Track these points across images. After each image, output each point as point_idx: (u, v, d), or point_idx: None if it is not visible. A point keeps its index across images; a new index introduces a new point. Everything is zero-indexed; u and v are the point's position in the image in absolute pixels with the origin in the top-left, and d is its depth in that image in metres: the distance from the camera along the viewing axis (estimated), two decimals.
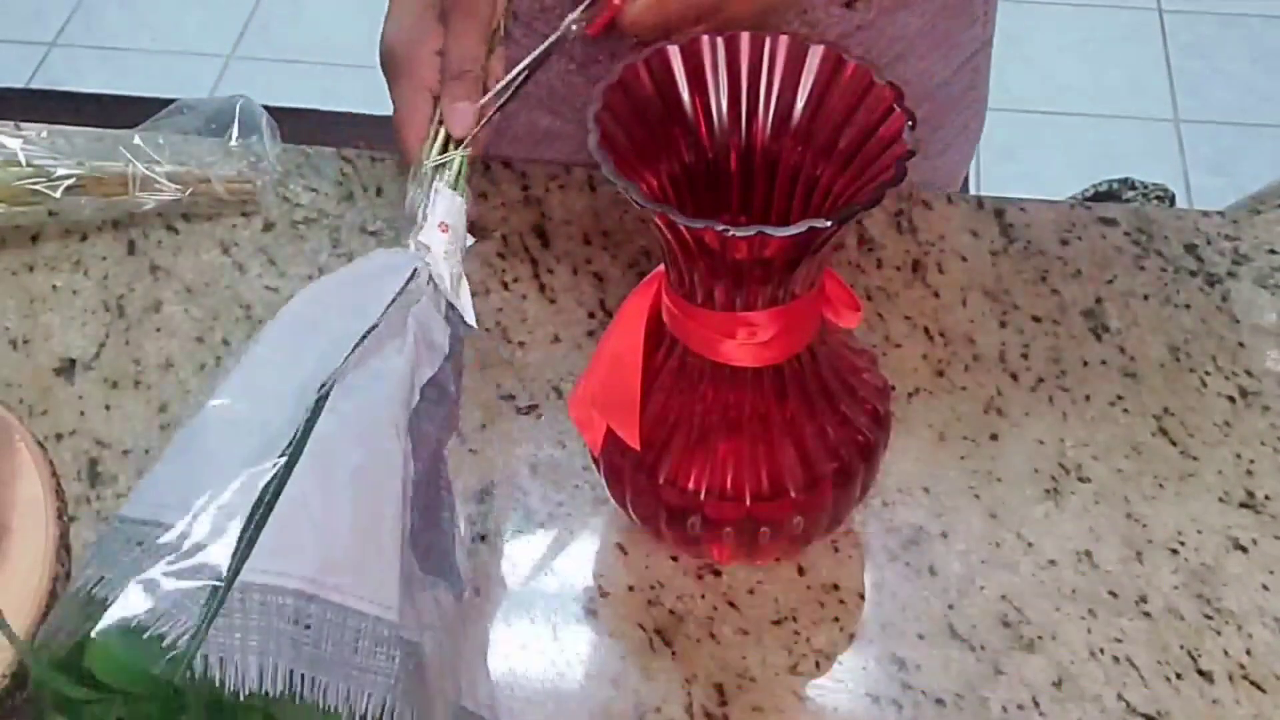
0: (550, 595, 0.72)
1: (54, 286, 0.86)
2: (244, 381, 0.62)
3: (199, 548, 0.55)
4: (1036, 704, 0.68)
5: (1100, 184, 1.61)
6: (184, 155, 0.90)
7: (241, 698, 0.52)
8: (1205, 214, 0.90)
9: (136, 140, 0.89)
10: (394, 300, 0.64)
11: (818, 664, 0.69)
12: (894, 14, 0.89)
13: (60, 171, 0.86)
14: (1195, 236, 0.88)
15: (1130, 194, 1.52)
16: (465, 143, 0.72)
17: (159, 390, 0.80)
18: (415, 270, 0.66)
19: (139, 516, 0.58)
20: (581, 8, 0.72)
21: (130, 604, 0.54)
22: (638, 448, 0.66)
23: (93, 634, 0.53)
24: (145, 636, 0.53)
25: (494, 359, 0.81)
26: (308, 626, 0.55)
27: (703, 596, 0.71)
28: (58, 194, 0.86)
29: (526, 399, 0.80)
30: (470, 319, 0.68)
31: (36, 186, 0.85)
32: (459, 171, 0.71)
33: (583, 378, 0.70)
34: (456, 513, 0.65)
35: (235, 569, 0.54)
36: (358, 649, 0.55)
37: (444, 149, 0.72)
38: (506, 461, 0.77)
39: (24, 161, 0.86)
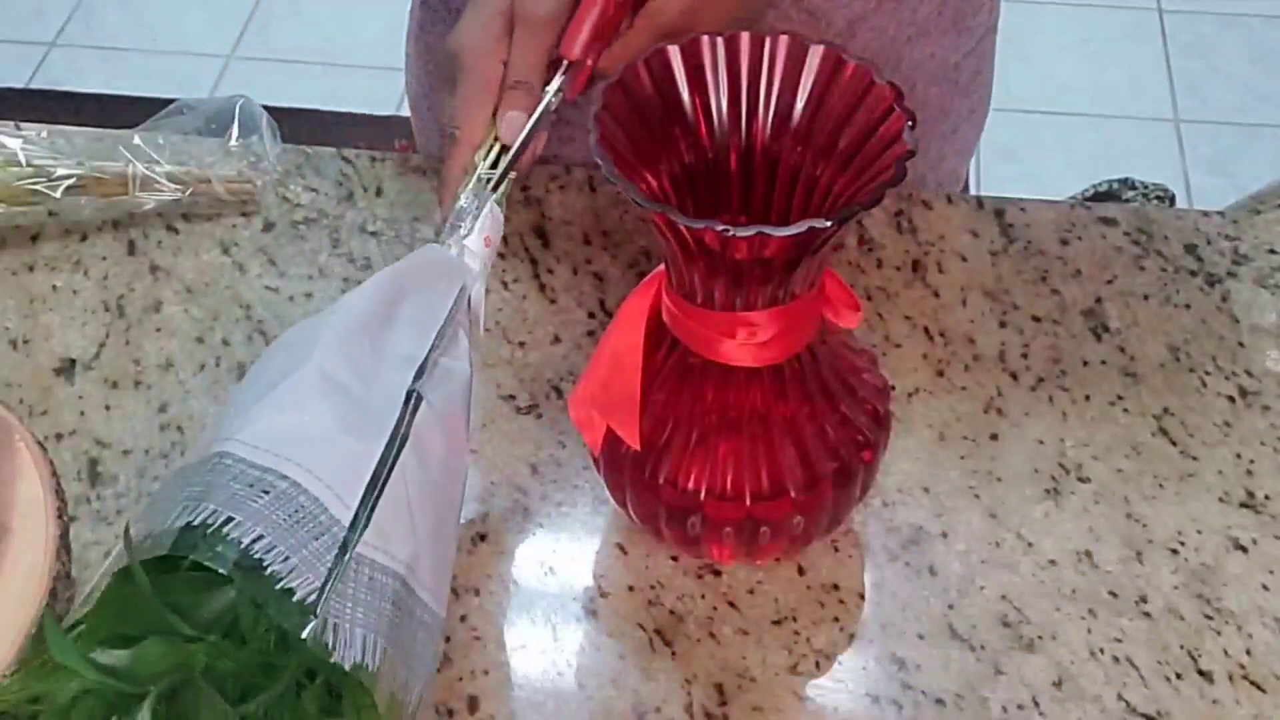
0: (550, 595, 0.72)
1: (54, 286, 0.86)
2: (335, 345, 0.62)
3: (322, 510, 0.56)
4: (1036, 704, 0.68)
5: (1100, 184, 1.61)
6: (184, 155, 0.90)
7: (346, 665, 0.53)
8: (1205, 214, 0.90)
9: (136, 140, 0.89)
10: (455, 303, 0.66)
11: (818, 664, 0.69)
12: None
13: (60, 171, 0.86)
14: (1195, 236, 0.88)
15: (1130, 194, 1.52)
16: (514, 159, 0.73)
17: (159, 390, 0.80)
18: (465, 282, 0.67)
19: (254, 460, 0.57)
20: (559, 75, 0.74)
21: (271, 558, 0.54)
22: (638, 448, 0.66)
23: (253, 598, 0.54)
24: (278, 587, 0.53)
25: (494, 359, 0.81)
26: (395, 605, 0.56)
27: (703, 596, 0.71)
28: (58, 194, 0.86)
29: (526, 399, 0.80)
30: (481, 327, 0.70)
31: (36, 186, 0.85)
32: (505, 188, 0.73)
33: (583, 378, 0.70)
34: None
35: (354, 540, 0.55)
36: (416, 639, 0.57)
37: (495, 163, 0.73)
38: (506, 461, 0.77)
39: (24, 161, 0.86)
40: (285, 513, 0.55)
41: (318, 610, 0.53)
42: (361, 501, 0.57)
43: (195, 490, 0.56)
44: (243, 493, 0.55)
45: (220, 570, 0.54)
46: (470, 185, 0.72)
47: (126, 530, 0.56)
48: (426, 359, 0.63)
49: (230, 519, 0.54)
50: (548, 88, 0.74)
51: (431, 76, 1.01)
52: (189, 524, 0.54)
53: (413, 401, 0.61)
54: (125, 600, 0.55)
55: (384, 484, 0.58)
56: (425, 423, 0.61)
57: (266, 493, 0.55)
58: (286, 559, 0.54)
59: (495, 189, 0.72)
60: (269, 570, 0.53)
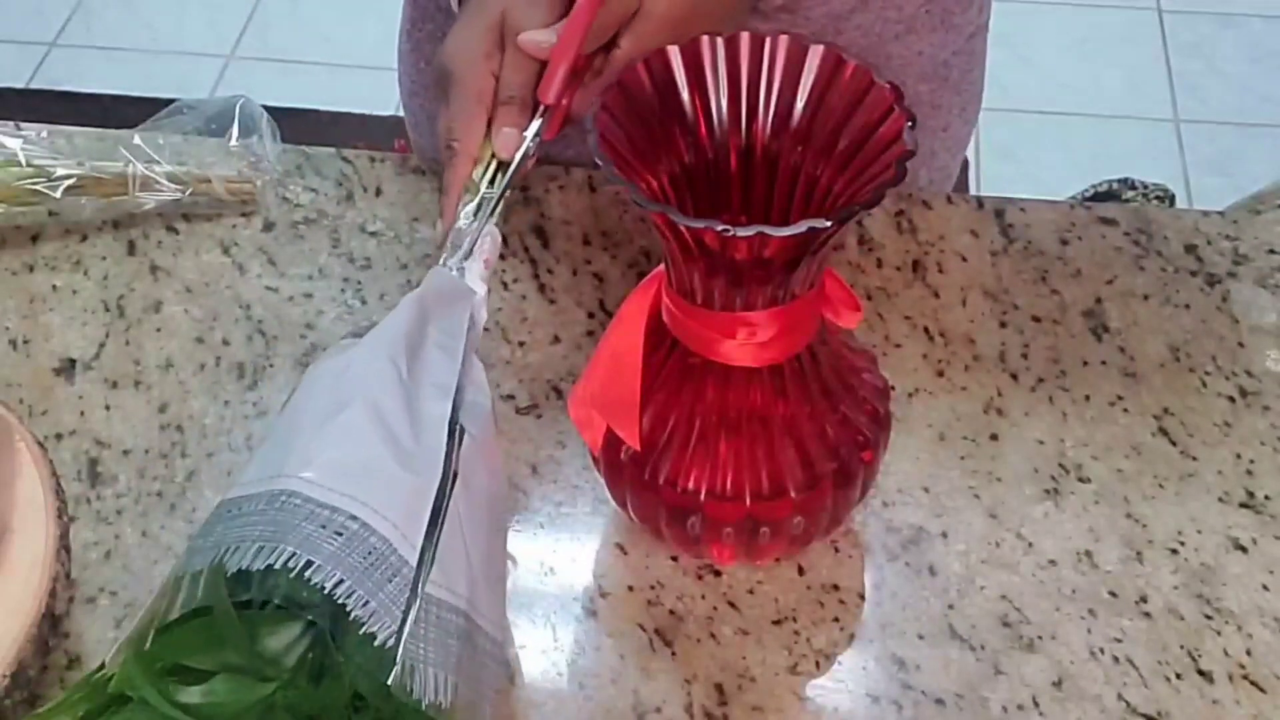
0: (550, 595, 0.72)
1: (54, 286, 0.86)
2: (379, 377, 0.62)
3: (391, 551, 0.56)
4: (1036, 704, 0.68)
5: (1100, 184, 1.61)
6: (184, 155, 0.90)
7: (423, 706, 0.54)
8: (1205, 214, 0.90)
9: (136, 140, 0.89)
10: (470, 327, 0.66)
11: (818, 664, 0.69)
12: None
13: (60, 171, 0.86)
14: (1195, 236, 0.88)
15: (1130, 194, 1.52)
16: (512, 177, 0.73)
17: (159, 390, 0.80)
18: (473, 305, 0.67)
19: (321, 499, 0.57)
20: (537, 119, 0.74)
21: (353, 602, 0.54)
22: (638, 448, 0.66)
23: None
24: (361, 631, 0.54)
25: (494, 359, 0.81)
26: (461, 640, 0.56)
27: (703, 596, 0.71)
28: (58, 194, 0.86)
29: (526, 399, 0.80)
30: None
31: (36, 186, 0.85)
32: (499, 206, 0.73)
33: (583, 378, 0.70)
34: None
35: (423, 580, 0.56)
36: (483, 669, 0.58)
37: (491, 179, 0.73)
38: (506, 461, 0.77)
39: (24, 161, 0.86)
40: (359, 555, 0.55)
41: (398, 654, 0.54)
42: (425, 539, 0.57)
43: (267, 530, 0.56)
44: (316, 534, 0.55)
45: (310, 617, 0.54)
46: (471, 205, 0.72)
47: (219, 569, 0.55)
48: (459, 386, 0.63)
49: (310, 562, 0.54)
50: (526, 131, 0.74)
51: (422, 74, 1.01)
52: (269, 566, 0.54)
53: (458, 434, 0.61)
54: (205, 634, 0.54)
55: (444, 521, 0.58)
56: (469, 454, 0.61)
57: (340, 534, 0.55)
58: (366, 604, 0.54)
59: (494, 210, 0.72)
60: (351, 615, 0.54)
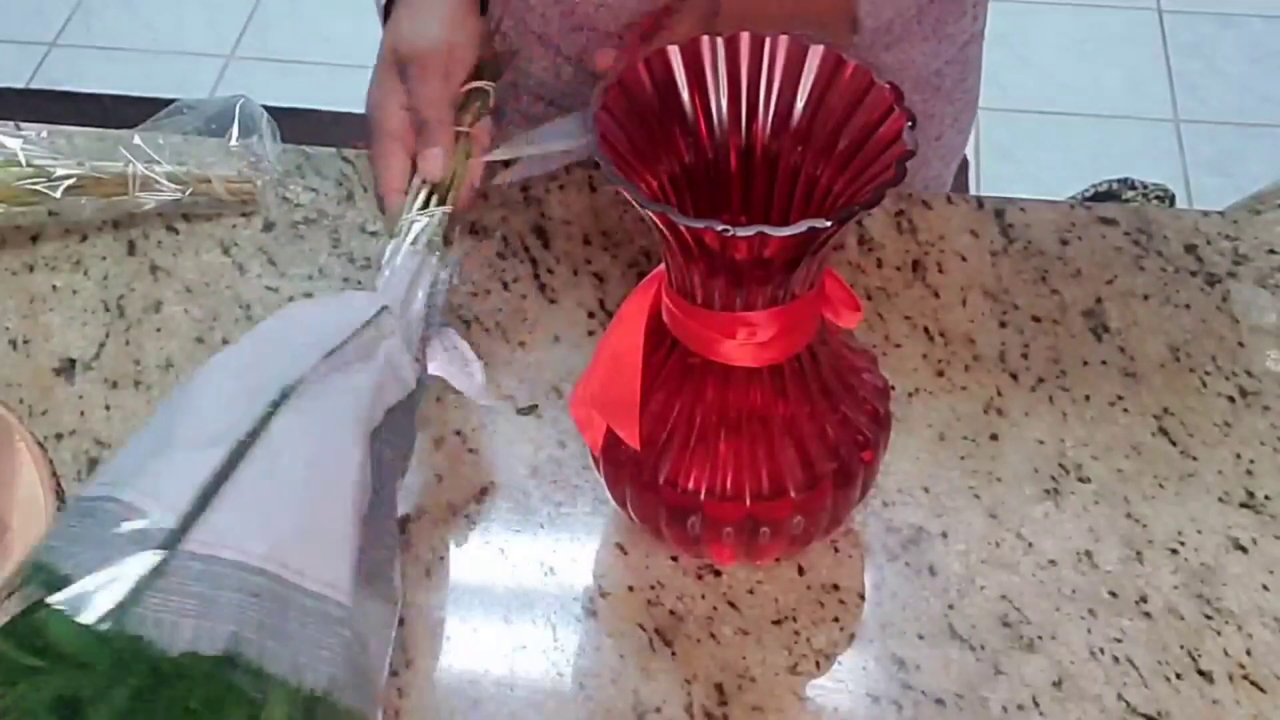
0: (550, 595, 0.72)
1: (54, 286, 0.86)
2: (206, 384, 0.64)
3: (143, 518, 0.58)
4: (1036, 704, 0.68)
5: (1100, 184, 1.61)
6: (184, 155, 0.90)
7: (177, 658, 0.54)
8: (1205, 214, 0.90)
9: (136, 140, 0.89)
10: (365, 326, 0.67)
11: (818, 664, 0.69)
12: (884, 5, 0.90)
13: (60, 171, 0.86)
14: (1195, 236, 0.88)
15: (1130, 194, 1.52)
16: (446, 200, 0.75)
17: (159, 390, 0.80)
18: (382, 309, 0.69)
19: (92, 494, 0.60)
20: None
21: (79, 572, 0.56)
22: (638, 448, 0.66)
23: (47, 601, 0.55)
24: (89, 602, 0.55)
25: (494, 359, 0.81)
26: (255, 595, 0.57)
27: (703, 596, 0.71)
28: (58, 194, 0.86)
29: (526, 399, 0.80)
30: (476, 376, 0.72)
31: (36, 186, 0.85)
32: (437, 229, 0.74)
33: (583, 378, 0.70)
34: (397, 542, 0.67)
35: (174, 540, 0.57)
36: (305, 624, 0.57)
37: (426, 204, 0.75)
38: (506, 461, 0.77)
39: (24, 161, 0.86)
40: (98, 530, 0.58)
41: (122, 612, 0.55)
42: (192, 505, 0.58)
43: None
44: (73, 526, 0.59)
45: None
46: (399, 232, 0.74)
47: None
48: (302, 376, 0.64)
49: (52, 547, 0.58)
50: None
51: None
52: (38, 563, 0.58)
53: (267, 410, 0.62)
54: None
55: (214, 485, 0.59)
56: (288, 428, 0.62)
57: (92, 516, 0.59)
58: (77, 566, 0.57)
59: (413, 231, 0.74)
60: (78, 592, 0.56)
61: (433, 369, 0.71)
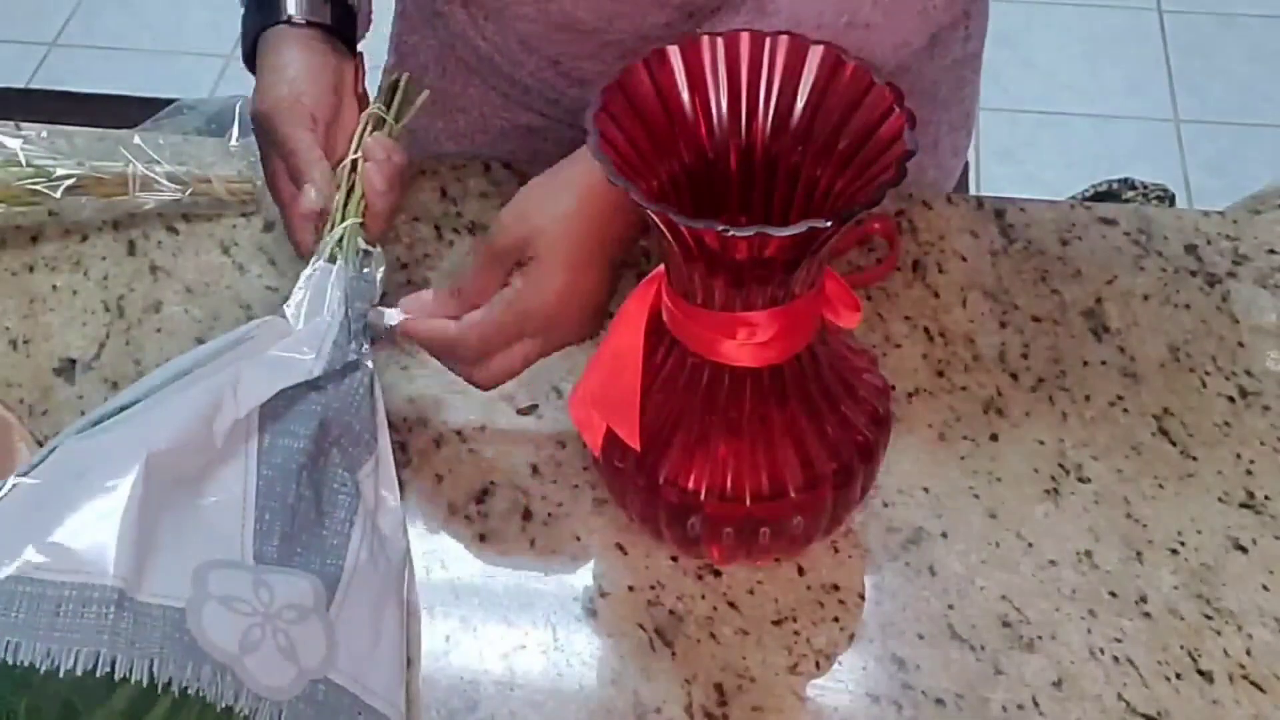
0: (550, 595, 0.72)
1: (54, 286, 0.86)
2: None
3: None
4: (1036, 704, 0.67)
5: (1100, 184, 1.60)
6: (184, 155, 0.90)
7: None
8: (1205, 214, 0.90)
9: (136, 140, 0.89)
10: (234, 342, 0.69)
11: (818, 664, 0.69)
12: None
13: (60, 171, 0.86)
14: (1195, 236, 0.88)
15: (1130, 194, 1.52)
16: (348, 215, 0.77)
17: None
18: (262, 321, 0.71)
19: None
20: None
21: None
22: (638, 448, 0.66)
23: None
24: None
25: None
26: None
27: (703, 596, 0.71)
28: (58, 194, 0.86)
29: (526, 399, 0.79)
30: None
31: (36, 186, 0.85)
32: (340, 242, 0.75)
33: (583, 378, 0.70)
34: (355, 515, 0.67)
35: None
36: (59, 613, 0.57)
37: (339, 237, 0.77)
38: (506, 461, 0.77)
39: (24, 161, 0.86)
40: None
41: None
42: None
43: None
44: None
45: None
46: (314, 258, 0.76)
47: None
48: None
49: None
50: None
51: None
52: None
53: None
54: None
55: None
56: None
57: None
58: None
59: (325, 252, 0.75)
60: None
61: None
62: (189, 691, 0.56)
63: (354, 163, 0.78)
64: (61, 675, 0.55)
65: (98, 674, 0.56)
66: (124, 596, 0.57)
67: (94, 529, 0.59)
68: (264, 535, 0.63)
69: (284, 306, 0.72)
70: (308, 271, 0.74)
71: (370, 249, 0.77)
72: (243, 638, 0.59)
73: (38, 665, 0.55)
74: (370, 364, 0.72)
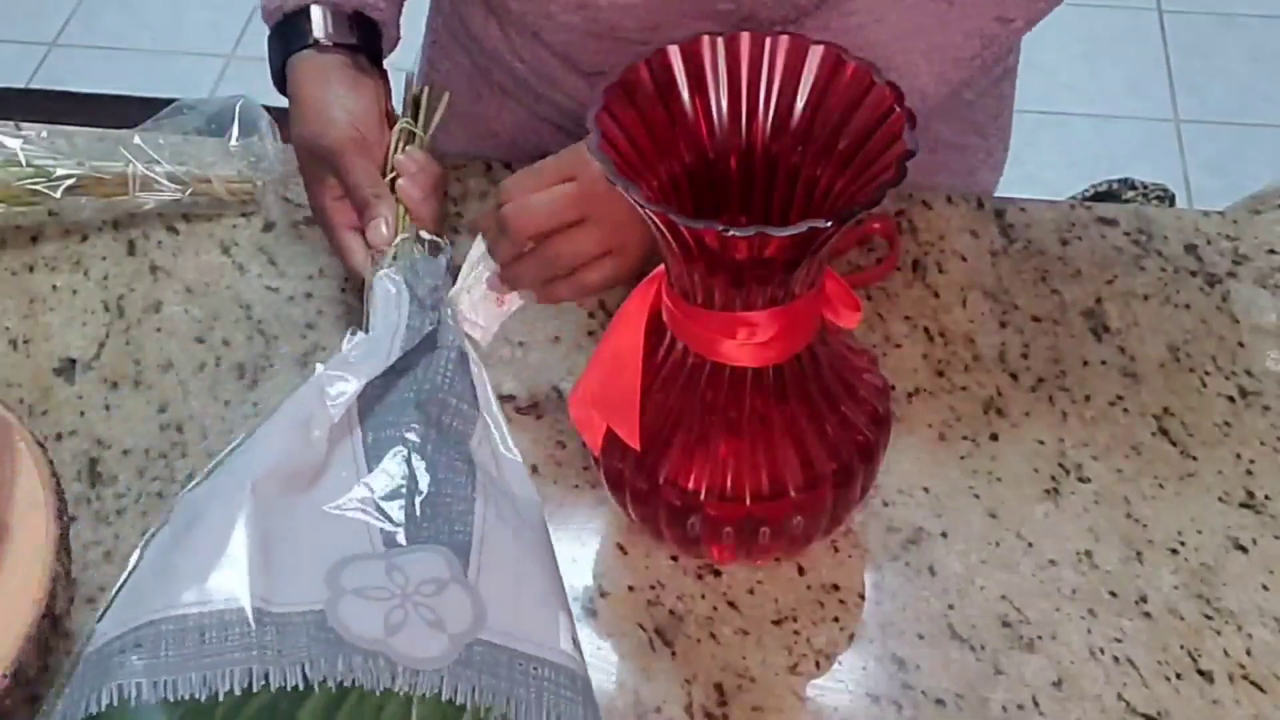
0: None
1: (54, 286, 0.86)
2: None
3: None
4: (1036, 704, 0.68)
5: (1100, 184, 1.60)
6: (184, 155, 0.90)
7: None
8: (1205, 214, 0.90)
9: (136, 140, 0.89)
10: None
11: (818, 664, 0.69)
12: None
13: (60, 171, 0.86)
14: (1195, 236, 0.88)
15: (1130, 194, 1.52)
16: (402, 229, 0.78)
17: (159, 390, 0.80)
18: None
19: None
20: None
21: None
22: (638, 448, 0.66)
23: None
24: None
25: (494, 359, 0.81)
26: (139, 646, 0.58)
27: (703, 596, 0.71)
28: (58, 194, 0.86)
29: (526, 399, 0.79)
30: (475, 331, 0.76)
31: (36, 186, 0.85)
32: (400, 252, 0.77)
33: (583, 378, 0.70)
34: (475, 481, 0.67)
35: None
36: (205, 641, 0.58)
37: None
38: None
39: (24, 161, 0.86)
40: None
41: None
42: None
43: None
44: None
45: None
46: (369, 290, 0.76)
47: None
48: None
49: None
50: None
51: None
52: None
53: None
54: None
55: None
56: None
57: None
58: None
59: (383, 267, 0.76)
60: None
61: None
62: (344, 683, 0.57)
63: (393, 180, 0.80)
64: (220, 698, 0.56)
65: (254, 689, 0.56)
66: (261, 613, 0.58)
67: (219, 560, 0.60)
68: (388, 523, 0.63)
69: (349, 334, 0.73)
70: (368, 288, 0.76)
71: (435, 238, 0.78)
72: (385, 621, 0.59)
73: (197, 695, 0.56)
74: (454, 336, 0.73)
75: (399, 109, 0.86)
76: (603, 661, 0.69)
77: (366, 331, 0.72)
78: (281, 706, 0.56)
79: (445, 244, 0.78)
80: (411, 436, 0.67)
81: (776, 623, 0.70)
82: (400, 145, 0.81)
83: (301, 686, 0.56)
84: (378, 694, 0.57)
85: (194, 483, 0.66)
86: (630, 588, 0.72)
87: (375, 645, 0.58)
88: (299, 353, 0.82)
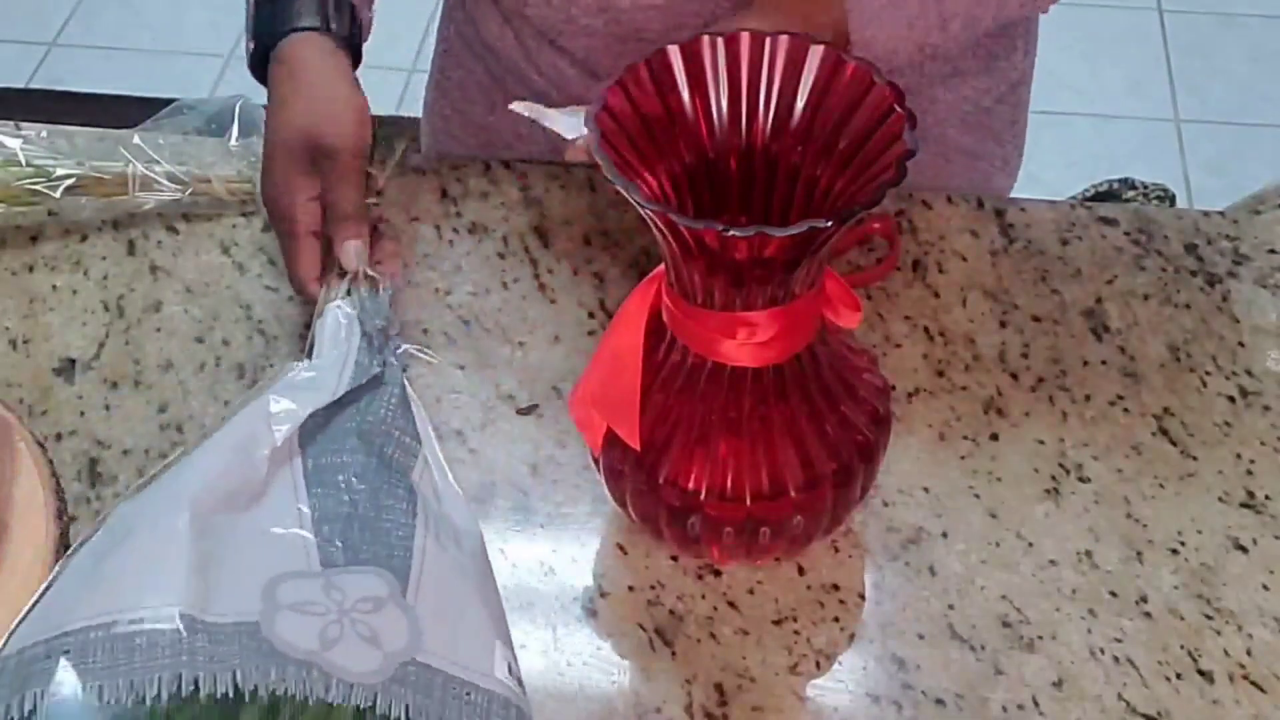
0: (550, 595, 0.72)
1: (54, 286, 0.86)
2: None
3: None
4: (1036, 704, 0.68)
5: (1100, 184, 1.60)
6: (184, 155, 0.90)
7: None
8: (1205, 214, 0.90)
9: (136, 140, 0.89)
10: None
11: (818, 664, 0.69)
12: None
13: (60, 171, 0.86)
14: (1195, 236, 0.88)
15: (1130, 194, 1.52)
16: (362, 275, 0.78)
17: (159, 390, 0.80)
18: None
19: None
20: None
21: None
22: (638, 448, 0.66)
23: None
24: None
25: (494, 359, 0.81)
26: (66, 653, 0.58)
27: (703, 596, 0.71)
28: (58, 194, 0.86)
29: (526, 399, 0.79)
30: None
31: (36, 186, 0.85)
32: (349, 289, 0.77)
33: (583, 378, 0.70)
34: (416, 509, 0.67)
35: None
36: (135, 649, 0.58)
37: (348, 290, 0.78)
38: (506, 461, 0.77)
39: (24, 161, 0.86)
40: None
41: None
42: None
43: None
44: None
45: None
46: (319, 314, 0.76)
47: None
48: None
49: None
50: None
51: (448, 121, 1.01)
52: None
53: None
54: None
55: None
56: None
57: None
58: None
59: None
60: None
61: None
62: (278, 693, 0.57)
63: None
64: (148, 704, 0.56)
65: (183, 695, 0.56)
66: (194, 620, 0.58)
67: (153, 571, 0.60)
68: (327, 543, 0.64)
69: (293, 365, 0.74)
70: (318, 314, 0.76)
71: (377, 275, 0.78)
72: (321, 634, 0.59)
73: (124, 701, 0.55)
74: (401, 375, 0.74)
75: None
76: (603, 661, 0.69)
77: (310, 357, 0.74)
78: (214, 717, 0.56)
79: (386, 283, 0.79)
80: (352, 463, 0.68)
81: (776, 623, 0.70)
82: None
83: (232, 694, 0.56)
84: (311, 703, 0.57)
85: (125, 496, 0.66)
86: (630, 588, 0.72)
87: (309, 657, 0.58)
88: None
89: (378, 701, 0.58)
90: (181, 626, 0.57)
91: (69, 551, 0.63)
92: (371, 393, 0.72)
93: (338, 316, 0.75)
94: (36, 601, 0.61)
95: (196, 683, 0.56)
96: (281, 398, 0.68)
